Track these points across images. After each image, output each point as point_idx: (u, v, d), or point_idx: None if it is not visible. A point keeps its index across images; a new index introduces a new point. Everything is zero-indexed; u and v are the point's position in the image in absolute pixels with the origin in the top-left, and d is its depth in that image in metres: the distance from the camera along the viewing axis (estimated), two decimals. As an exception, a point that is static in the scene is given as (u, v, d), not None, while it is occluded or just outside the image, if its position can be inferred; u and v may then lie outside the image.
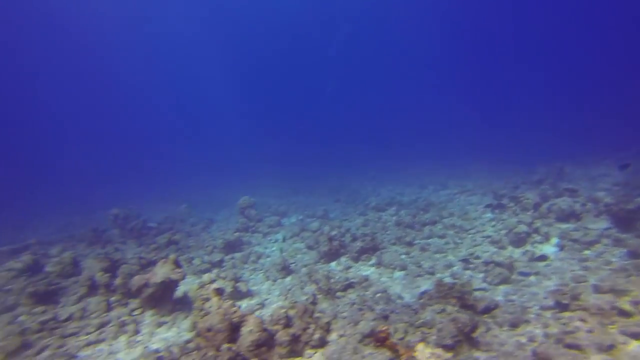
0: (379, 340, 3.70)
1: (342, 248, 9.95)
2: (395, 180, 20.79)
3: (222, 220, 15.95)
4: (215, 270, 9.10)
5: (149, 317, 7.33)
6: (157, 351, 5.88)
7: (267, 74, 67.34)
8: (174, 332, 6.79)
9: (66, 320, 7.31)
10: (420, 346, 4.15)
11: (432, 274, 8.15)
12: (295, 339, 5.31)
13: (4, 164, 41.55)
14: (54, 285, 8.58)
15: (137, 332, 6.84)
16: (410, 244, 10.04)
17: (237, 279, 8.02)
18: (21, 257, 10.58)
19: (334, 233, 10.61)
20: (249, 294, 8.01)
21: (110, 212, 14.98)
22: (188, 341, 6.09)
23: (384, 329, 3.84)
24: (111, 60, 54.06)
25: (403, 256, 9.28)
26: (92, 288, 8.48)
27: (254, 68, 66.08)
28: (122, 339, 6.58)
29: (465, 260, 8.35)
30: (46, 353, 6.22)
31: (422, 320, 5.60)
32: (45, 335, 6.75)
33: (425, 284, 7.65)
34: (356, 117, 59.17)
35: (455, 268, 8.32)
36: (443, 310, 5.75)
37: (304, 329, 5.45)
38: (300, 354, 5.28)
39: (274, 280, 8.80)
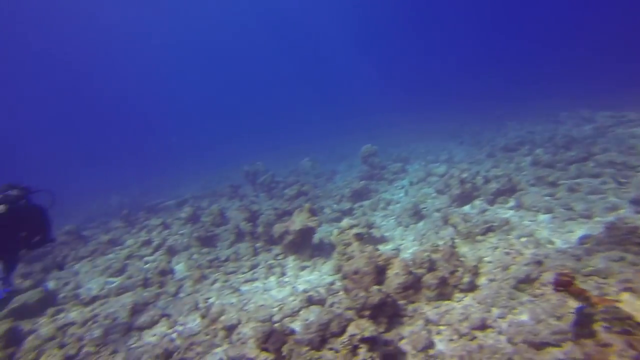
0: (562, 284, 3.06)
1: (475, 190, 9.02)
2: (521, 118, 17.83)
3: (344, 170, 16.20)
4: (346, 219, 9.24)
5: (291, 261, 7.88)
6: (305, 291, 6.28)
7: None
8: (316, 275, 7.16)
9: (225, 260, 8.42)
10: (625, 295, 3.35)
11: (589, 217, 6.72)
12: (443, 282, 4.98)
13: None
14: (210, 232, 9.97)
15: (283, 274, 7.43)
16: (554, 184, 8.50)
17: (369, 226, 7.96)
18: (184, 209, 12.59)
19: (464, 175, 9.63)
20: (383, 240, 7.92)
21: (242, 168, 16.56)
22: (331, 283, 6.32)
23: (566, 272, 3.16)
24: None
25: (547, 198, 7.90)
26: (239, 235, 9.58)
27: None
28: (272, 279, 7.23)
29: (636, 202, 6.62)
30: (217, 285, 7.29)
31: (593, 268, 4.62)
32: (214, 271, 7.91)
33: (581, 229, 6.35)
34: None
35: (622, 211, 6.69)
36: (622, 259, 4.64)
37: (452, 272, 5.07)
38: (449, 297, 4.94)
39: (406, 226, 8.51)
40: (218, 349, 4.60)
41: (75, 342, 5.81)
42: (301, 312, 5.55)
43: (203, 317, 5.76)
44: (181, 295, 7.20)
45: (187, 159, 32.99)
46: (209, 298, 6.73)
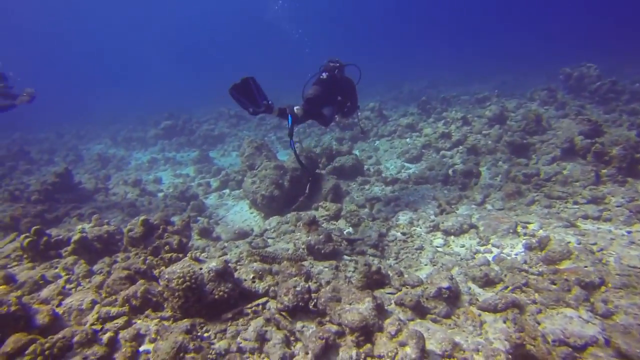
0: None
1: None
2: None
3: None
4: None
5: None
6: None
7: None
8: None
9: (548, 180, 6.43)
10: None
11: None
12: None
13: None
14: (524, 139, 7.93)
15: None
16: None
17: None
18: (488, 106, 10.78)
19: None
20: None
21: (562, 70, 12.52)
22: None
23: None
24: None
25: None
26: (568, 152, 7.10)
27: None
28: (636, 228, 4.80)
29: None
30: (537, 208, 5.65)
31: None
32: (530, 190, 6.22)
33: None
34: None
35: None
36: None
37: None
38: None
39: None
40: (569, 310, 3.20)
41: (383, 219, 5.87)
42: None
43: (531, 249, 4.37)
44: (489, 207, 6.04)
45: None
46: (528, 223, 5.23)
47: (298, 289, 3.42)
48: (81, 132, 18.21)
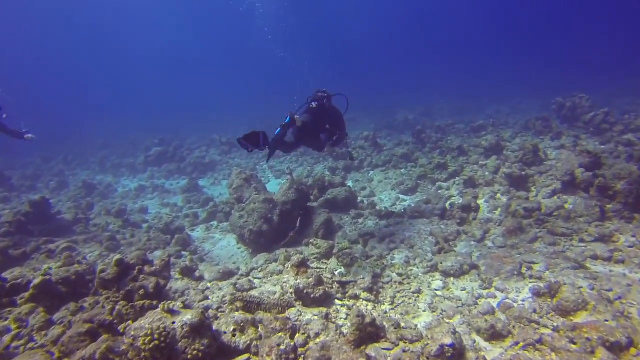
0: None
1: None
2: None
3: None
4: None
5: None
6: None
7: None
8: None
9: (549, 215, 6.15)
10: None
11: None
12: None
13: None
14: (522, 171, 7.72)
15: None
16: None
17: None
18: (484, 136, 10.66)
19: None
20: None
21: (555, 99, 12.59)
22: None
23: None
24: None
25: None
26: (569, 185, 6.88)
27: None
28: (647, 270, 4.47)
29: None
30: (541, 246, 5.32)
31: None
32: (532, 226, 5.90)
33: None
34: None
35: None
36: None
37: None
38: None
39: None
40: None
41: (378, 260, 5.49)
42: None
43: (540, 295, 4.00)
44: (489, 244, 5.71)
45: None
46: (533, 263, 4.89)
47: (282, 347, 3.00)
48: (69, 157, 17.76)
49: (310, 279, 3.88)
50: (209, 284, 4.95)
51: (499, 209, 6.73)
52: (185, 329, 3.11)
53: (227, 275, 5.12)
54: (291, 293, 3.84)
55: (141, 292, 4.10)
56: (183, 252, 6.39)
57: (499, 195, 7.33)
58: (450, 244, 5.73)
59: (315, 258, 5.09)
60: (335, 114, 5.45)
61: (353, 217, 7.32)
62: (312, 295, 3.82)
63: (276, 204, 6.21)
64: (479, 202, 7.03)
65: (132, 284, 4.21)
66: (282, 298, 3.77)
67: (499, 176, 7.72)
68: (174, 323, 3.21)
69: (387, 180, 9.70)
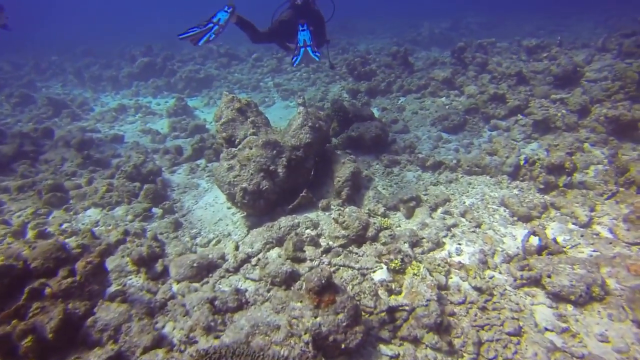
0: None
1: None
2: None
3: None
4: None
5: None
6: None
7: None
8: None
9: None
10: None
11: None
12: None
13: None
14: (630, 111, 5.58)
15: None
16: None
17: None
18: (545, 56, 8.19)
19: None
20: None
21: None
22: None
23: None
24: None
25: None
26: None
27: None
28: None
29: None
30: None
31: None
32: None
33: None
34: None
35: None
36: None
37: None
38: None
39: None
40: None
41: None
42: None
43: None
44: (609, 236, 3.94)
45: None
46: None
47: None
48: (43, 65, 15.26)
49: (340, 315, 2.21)
50: (174, 286, 3.32)
51: (592, 169, 4.82)
52: None
53: (202, 270, 3.43)
54: (306, 344, 2.17)
55: (26, 342, 2.23)
56: (154, 209, 4.71)
57: (586, 145, 5.34)
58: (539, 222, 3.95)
59: (340, 246, 3.38)
60: (318, 15, 5.24)
61: (385, 164, 5.48)
62: (342, 344, 2.18)
63: (282, 149, 4.32)
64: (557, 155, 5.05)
65: (16, 323, 2.28)
66: (292, 354, 2.12)
67: (590, 119, 5.63)
68: None
69: (423, 112, 7.59)
